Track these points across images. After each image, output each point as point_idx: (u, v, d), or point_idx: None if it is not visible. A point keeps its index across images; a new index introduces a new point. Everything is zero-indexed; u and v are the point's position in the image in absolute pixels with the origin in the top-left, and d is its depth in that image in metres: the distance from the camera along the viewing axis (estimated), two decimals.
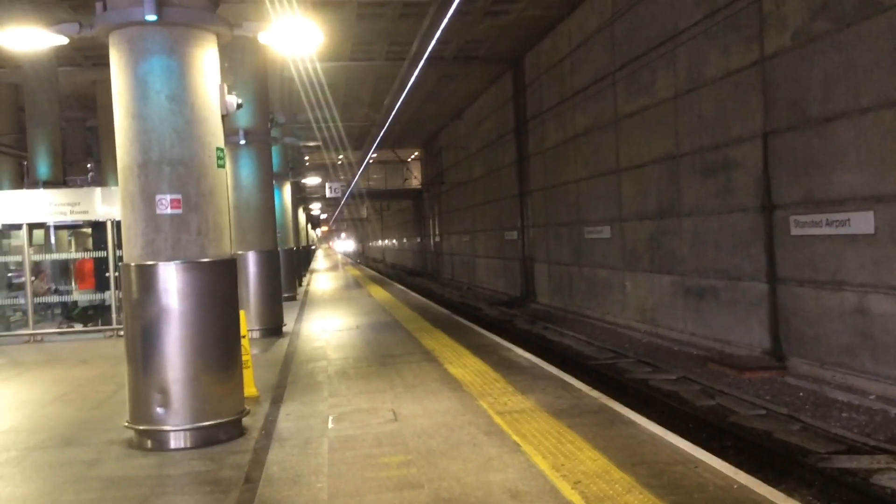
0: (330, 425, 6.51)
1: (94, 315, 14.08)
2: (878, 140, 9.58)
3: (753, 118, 12.05)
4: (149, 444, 6.01)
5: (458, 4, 14.76)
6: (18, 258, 13.91)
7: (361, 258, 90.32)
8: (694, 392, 11.09)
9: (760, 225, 12.01)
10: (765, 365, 11.68)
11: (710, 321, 13.72)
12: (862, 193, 9.87)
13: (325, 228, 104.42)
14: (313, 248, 64.87)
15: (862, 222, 9.85)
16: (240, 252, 12.54)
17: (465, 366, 9.03)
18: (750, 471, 5.15)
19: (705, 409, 10.27)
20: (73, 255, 15.58)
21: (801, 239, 11.08)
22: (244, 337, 7.29)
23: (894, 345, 9.45)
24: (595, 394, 7.25)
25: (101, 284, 13.85)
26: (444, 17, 15.64)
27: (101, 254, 13.57)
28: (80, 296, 14.42)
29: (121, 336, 11.45)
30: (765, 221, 11.91)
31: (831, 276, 10.50)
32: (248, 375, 7.41)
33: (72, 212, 13.35)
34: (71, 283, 15.01)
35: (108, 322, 13.52)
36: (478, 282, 32.94)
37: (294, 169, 27.32)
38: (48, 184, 18.50)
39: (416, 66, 20.46)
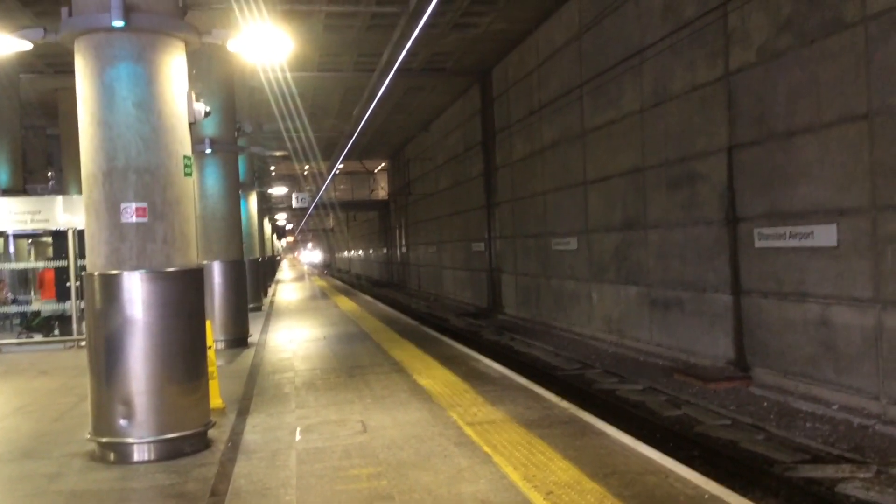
0: (298, 437, 6.42)
1: (54, 325, 13.81)
2: (841, 154, 9.75)
3: (718, 132, 12.21)
4: (112, 456, 5.88)
5: (427, 17, 14.79)
6: None
7: (328, 269, 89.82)
8: (660, 402, 11.16)
9: (725, 237, 12.16)
10: (730, 375, 11.79)
11: (675, 332, 13.84)
12: (825, 206, 10.04)
13: (290, 239, 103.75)
14: (278, 258, 64.40)
15: (825, 235, 10.01)
16: (205, 262, 12.38)
17: (434, 377, 8.99)
18: (717, 480, 5.17)
19: (672, 419, 10.34)
20: (35, 264, 15.28)
21: (765, 251, 11.23)
22: (210, 348, 7.19)
23: (856, 356, 9.60)
24: (565, 404, 7.26)
25: (62, 294, 13.59)
26: (415, 28, 15.67)
27: (63, 263, 13.31)
28: (42, 305, 14.13)
29: (82, 347, 11.24)
30: (729, 234, 12.05)
31: (795, 288, 10.65)
32: (213, 387, 7.30)
33: (32, 220, 13.11)
34: (30, 293, 14.70)
35: (68, 332, 13.25)
36: (445, 293, 32.91)
37: (260, 179, 27.14)
38: (8, 192, 18.14)
39: (385, 78, 20.47)
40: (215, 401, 7.38)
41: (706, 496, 4.61)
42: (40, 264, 14.79)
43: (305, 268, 72.40)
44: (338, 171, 45.78)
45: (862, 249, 9.46)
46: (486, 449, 5.76)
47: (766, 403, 10.61)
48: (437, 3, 13.95)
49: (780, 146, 10.81)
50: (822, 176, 10.06)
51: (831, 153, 9.90)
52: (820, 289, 10.18)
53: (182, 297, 6.11)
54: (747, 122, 11.52)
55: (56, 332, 13.88)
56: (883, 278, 9.16)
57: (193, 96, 6.40)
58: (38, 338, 13.62)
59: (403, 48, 17.49)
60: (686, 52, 12.98)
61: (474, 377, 8.89)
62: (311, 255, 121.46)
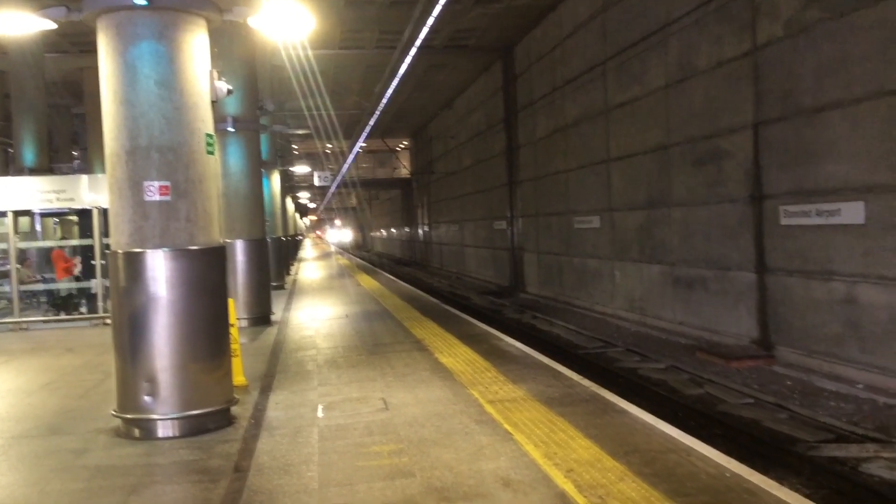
0: (320, 414, 6.46)
1: (80, 303, 13.98)
2: (870, 130, 9.58)
3: (745, 108, 12.04)
4: (136, 432, 5.95)
5: None
6: (3, 246, 13.78)
7: (354, 248, 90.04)
8: (682, 381, 11.12)
9: (750, 215, 12.03)
10: (753, 354, 11.72)
11: (698, 311, 13.75)
12: (853, 184, 9.89)
13: (313, 217, 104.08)
14: (301, 237, 64.61)
15: (852, 212, 9.87)
16: (228, 240, 12.45)
17: (455, 355, 9.01)
18: (739, 459, 5.14)
19: (694, 397, 10.30)
20: (61, 242, 15.45)
21: (791, 229, 11.10)
22: (233, 326, 7.24)
23: (882, 335, 9.49)
24: (586, 382, 7.24)
25: (87, 272, 13.74)
26: (437, 3, 15.55)
27: (88, 242, 13.44)
28: (59, 285, 14.30)
29: (107, 324, 11.36)
30: (754, 211, 11.92)
31: (821, 266, 10.53)
32: (236, 364, 7.36)
33: (58, 199, 13.21)
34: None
35: (94, 310, 13.41)
36: (467, 271, 32.93)
37: (283, 157, 27.20)
38: (34, 171, 18.33)
39: (407, 55, 20.36)
40: (238, 378, 7.44)
41: (727, 474, 4.58)
42: (76, 243, 14.89)
43: (328, 247, 72.47)
44: (360, 150, 45.78)
45: (890, 227, 9.33)
46: (506, 427, 5.77)
47: (789, 382, 10.54)
48: None
49: (808, 122, 10.64)
50: (851, 152, 9.90)
51: (860, 129, 9.73)
52: (846, 267, 10.06)
53: (205, 275, 6.14)
54: (774, 97, 11.34)
55: (83, 309, 14.05)
56: None
57: (216, 74, 6.39)
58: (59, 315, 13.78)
59: (425, 25, 17.38)
60: (712, 26, 12.79)
61: (496, 355, 8.89)
62: (335, 233, 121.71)
